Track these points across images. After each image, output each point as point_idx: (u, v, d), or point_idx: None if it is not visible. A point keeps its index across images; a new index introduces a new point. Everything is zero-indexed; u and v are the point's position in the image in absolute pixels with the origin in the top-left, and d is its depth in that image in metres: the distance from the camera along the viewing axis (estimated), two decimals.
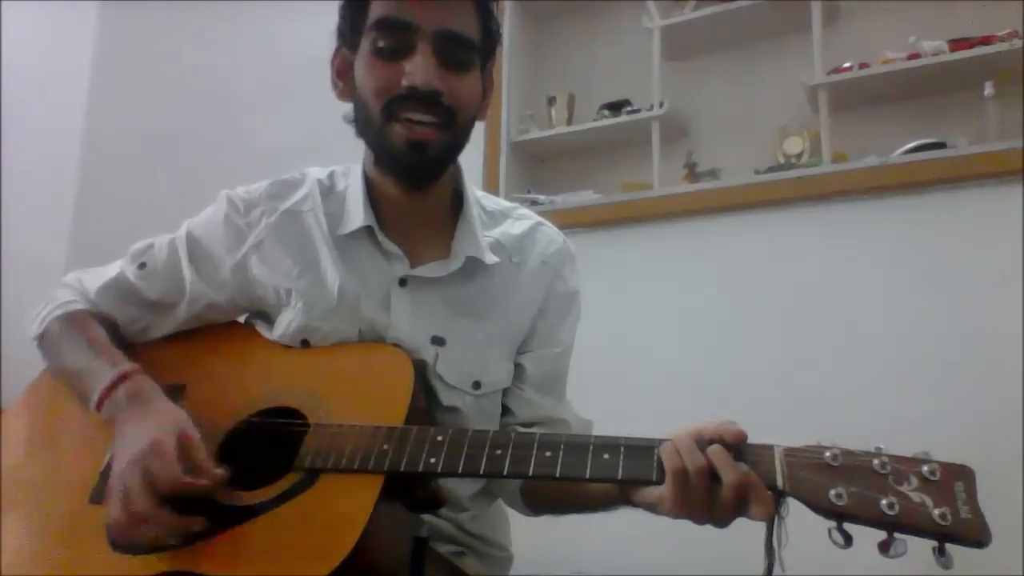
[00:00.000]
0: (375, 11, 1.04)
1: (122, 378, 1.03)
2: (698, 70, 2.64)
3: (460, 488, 1.12)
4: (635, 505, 0.90)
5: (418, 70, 1.00)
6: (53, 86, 3.24)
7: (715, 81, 2.61)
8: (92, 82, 3.39)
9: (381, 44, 1.03)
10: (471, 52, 1.06)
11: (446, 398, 1.08)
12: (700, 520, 0.80)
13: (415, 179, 1.10)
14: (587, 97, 2.72)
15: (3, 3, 2.99)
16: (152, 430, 0.94)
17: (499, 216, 1.21)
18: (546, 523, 1.15)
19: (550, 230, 1.22)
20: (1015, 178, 1.96)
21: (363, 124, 1.08)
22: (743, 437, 0.80)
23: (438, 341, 1.08)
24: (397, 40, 1.02)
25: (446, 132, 1.04)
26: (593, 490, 0.99)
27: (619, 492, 0.92)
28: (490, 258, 1.12)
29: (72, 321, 1.16)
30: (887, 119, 2.30)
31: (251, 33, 3.14)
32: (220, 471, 0.92)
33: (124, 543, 0.92)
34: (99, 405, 1.02)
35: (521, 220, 1.22)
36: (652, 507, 0.84)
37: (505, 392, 1.15)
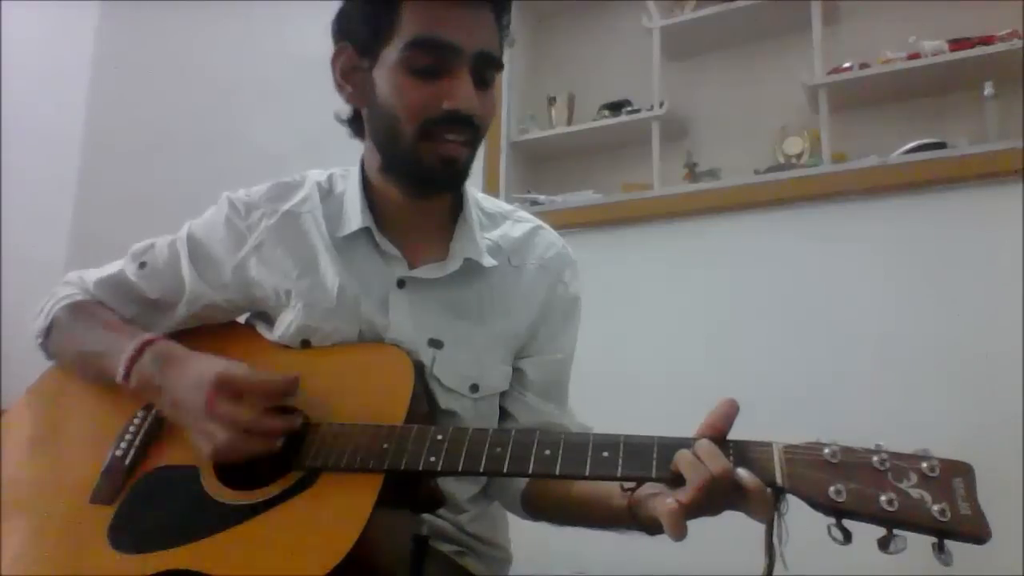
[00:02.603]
0: (412, 26, 1.00)
1: (146, 344, 1.03)
2: (698, 70, 2.64)
3: (458, 490, 1.12)
4: (639, 522, 0.90)
5: (461, 94, 1.00)
6: (53, 86, 3.24)
7: (715, 81, 2.61)
8: (93, 82, 3.39)
9: (420, 64, 1.01)
10: (497, 70, 1.06)
11: (444, 401, 1.07)
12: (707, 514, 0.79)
13: (441, 192, 1.11)
14: (587, 97, 2.73)
15: (3, 3, 2.99)
16: (206, 368, 0.96)
17: (499, 218, 1.20)
18: (547, 524, 1.15)
19: (550, 234, 1.22)
20: (1015, 178, 1.96)
21: (386, 138, 1.06)
22: (733, 413, 0.81)
23: (435, 344, 1.08)
24: (437, 61, 1.00)
25: (471, 148, 1.06)
26: (597, 504, 0.99)
27: (627, 511, 0.92)
28: (488, 261, 1.12)
29: (81, 308, 1.17)
30: (887, 119, 2.30)
31: (251, 33, 3.14)
32: (288, 374, 0.96)
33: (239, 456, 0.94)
34: (126, 375, 1.02)
35: (521, 223, 1.21)
36: (657, 522, 0.82)
37: (505, 396, 1.15)
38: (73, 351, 1.16)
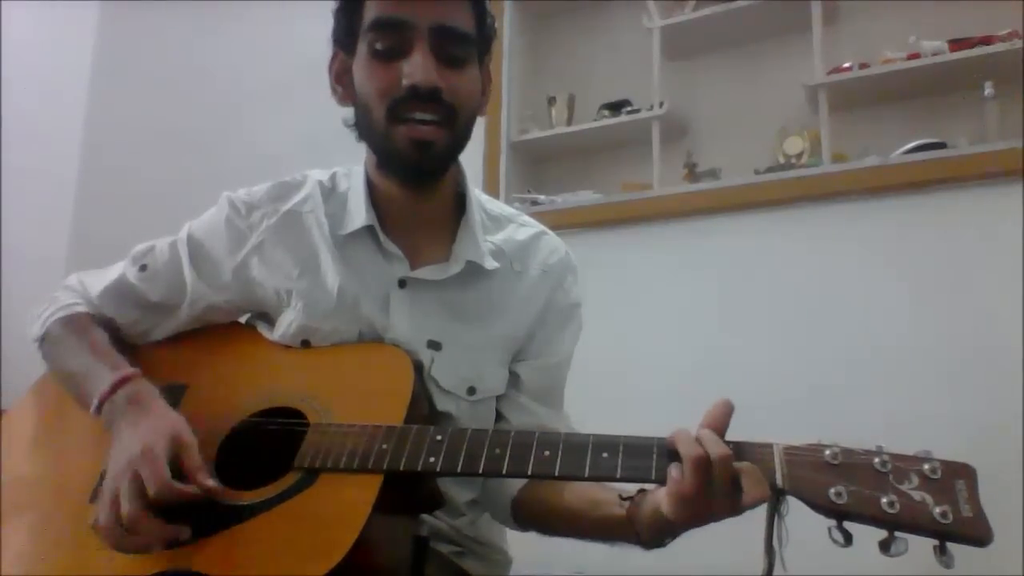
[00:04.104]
0: (370, 13, 1.03)
1: (122, 382, 1.02)
2: (698, 70, 2.64)
3: (457, 494, 1.11)
4: (639, 534, 0.90)
5: (417, 68, 1.00)
6: (53, 86, 3.24)
7: (715, 81, 2.61)
8: (92, 82, 3.39)
9: (378, 46, 1.02)
10: (468, 47, 1.05)
11: (440, 403, 1.07)
12: (709, 517, 0.79)
13: (419, 179, 1.09)
14: (587, 97, 2.72)
15: (3, 3, 2.99)
16: (146, 435, 0.93)
17: (503, 221, 1.20)
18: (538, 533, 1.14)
19: (553, 240, 1.22)
20: (1015, 178, 1.96)
21: (366, 128, 1.07)
22: (728, 412, 0.81)
23: (434, 345, 1.08)
24: (394, 40, 1.02)
25: (448, 130, 1.04)
26: (591, 513, 0.99)
27: (625, 520, 0.91)
28: (490, 263, 1.11)
29: (73, 324, 1.16)
30: (887, 119, 2.30)
31: (251, 33, 3.14)
32: (211, 481, 0.91)
33: (112, 548, 0.91)
34: (99, 409, 1.02)
35: (524, 227, 1.21)
36: (659, 517, 0.83)
37: (501, 400, 1.14)
38: (59, 368, 1.15)
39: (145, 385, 1.04)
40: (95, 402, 1.02)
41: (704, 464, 0.76)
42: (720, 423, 0.81)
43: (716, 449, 0.77)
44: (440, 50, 1.02)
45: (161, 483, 0.88)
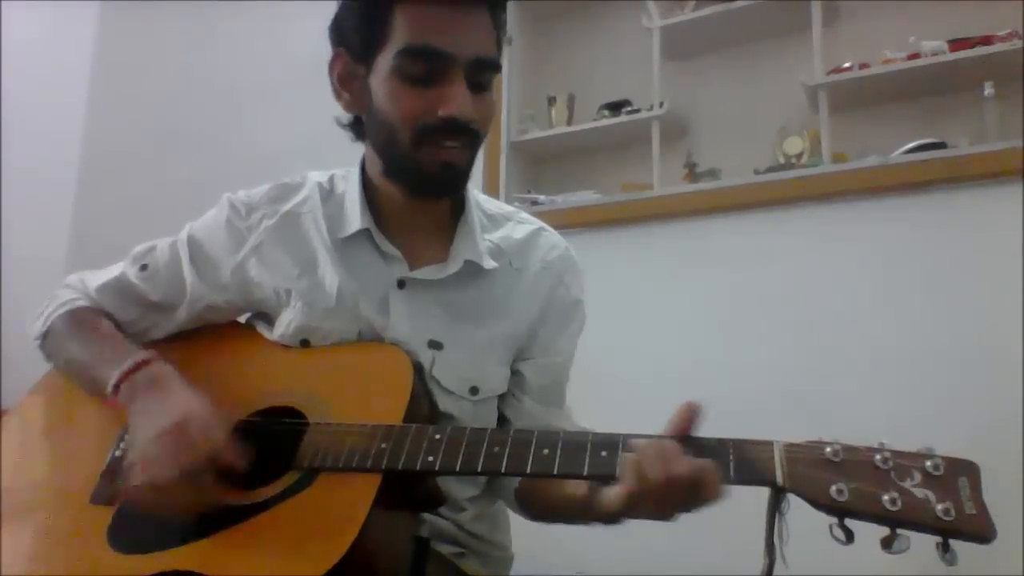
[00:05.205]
0: (403, 35, 1.00)
1: (143, 363, 1.03)
2: (698, 70, 2.64)
3: (458, 490, 1.11)
4: (596, 515, 0.89)
5: (455, 102, 0.99)
6: (53, 86, 3.24)
7: (715, 81, 2.61)
8: (92, 82, 3.39)
9: (413, 71, 1.00)
10: (494, 73, 1.05)
11: (443, 403, 1.06)
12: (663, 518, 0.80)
13: (441, 195, 1.10)
14: (587, 97, 2.72)
15: (3, 3, 2.99)
16: (177, 407, 0.95)
17: (500, 220, 1.20)
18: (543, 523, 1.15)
19: (552, 236, 1.21)
20: (1015, 178, 1.96)
21: (386, 144, 1.06)
22: (692, 417, 0.82)
23: (435, 345, 1.08)
24: (430, 69, 0.99)
25: (470, 151, 1.05)
26: (569, 502, 0.99)
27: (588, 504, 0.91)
28: (488, 263, 1.11)
29: (78, 317, 1.17)
30: (887, 119, 2.30)
31: (251, 33, 3.14)
32: (239, 460, 0.93)
33: (137, 515, 0.93)
34: (116, 388, 1.02)
35: (523, 225, 1.20)
36: (612, 507, 0.82)
37: (502, 399, 1.14)
38: (67, 359, 1.16)
39: (167, 367, 1.04)
40: (112, 382, 1.02)
41: (647, 492, 0.77)
42: (681, 430, 0.81)
43: (657, 475, 0.77)
44: (472, 79, 1.01)
45: (199, 449, 0.90)
